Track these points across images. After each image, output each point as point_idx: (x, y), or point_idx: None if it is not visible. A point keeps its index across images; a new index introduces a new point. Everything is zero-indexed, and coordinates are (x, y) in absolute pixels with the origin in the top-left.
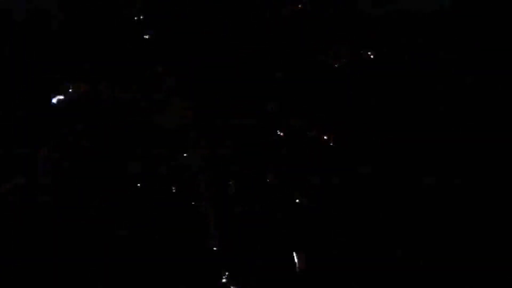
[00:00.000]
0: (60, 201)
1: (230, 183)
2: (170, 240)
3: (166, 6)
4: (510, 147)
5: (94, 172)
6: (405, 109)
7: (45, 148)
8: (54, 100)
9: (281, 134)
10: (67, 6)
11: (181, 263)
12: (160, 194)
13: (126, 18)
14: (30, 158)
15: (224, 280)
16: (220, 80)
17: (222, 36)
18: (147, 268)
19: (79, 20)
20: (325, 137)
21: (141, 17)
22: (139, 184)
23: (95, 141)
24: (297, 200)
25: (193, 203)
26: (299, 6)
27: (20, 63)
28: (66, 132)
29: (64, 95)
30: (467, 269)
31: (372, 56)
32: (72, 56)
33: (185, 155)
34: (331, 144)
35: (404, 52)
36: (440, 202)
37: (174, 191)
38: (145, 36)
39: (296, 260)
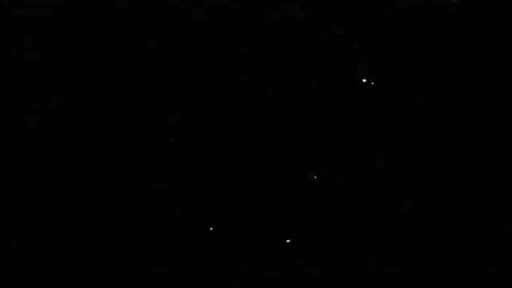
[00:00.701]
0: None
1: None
2: (169, 240)
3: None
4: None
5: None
6: (405, 109)
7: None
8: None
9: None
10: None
11: (180, 262)
12: (160, 194)
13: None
14: None
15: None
16: (219, 79)
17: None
18: (147, 268)
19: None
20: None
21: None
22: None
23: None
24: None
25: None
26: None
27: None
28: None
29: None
30: (467, 269)
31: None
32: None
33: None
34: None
35: (404, 52)
36: (440, 202)
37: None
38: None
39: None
